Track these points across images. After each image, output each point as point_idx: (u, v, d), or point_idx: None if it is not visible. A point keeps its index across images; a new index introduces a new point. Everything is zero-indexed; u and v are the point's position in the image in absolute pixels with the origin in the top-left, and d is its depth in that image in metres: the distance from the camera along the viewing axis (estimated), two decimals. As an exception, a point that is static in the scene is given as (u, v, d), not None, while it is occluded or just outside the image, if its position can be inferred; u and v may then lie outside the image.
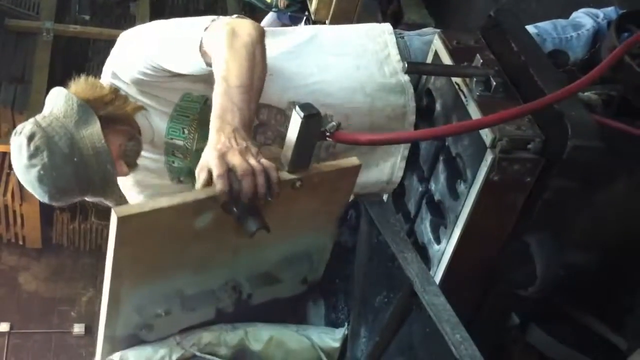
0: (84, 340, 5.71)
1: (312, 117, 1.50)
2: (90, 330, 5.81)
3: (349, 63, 2.07)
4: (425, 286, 1.51)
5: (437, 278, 2.02)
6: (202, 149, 1.59)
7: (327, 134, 1.56)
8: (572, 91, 1.70)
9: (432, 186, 2.07)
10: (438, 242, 2.05)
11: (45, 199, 1.87)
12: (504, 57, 2.04)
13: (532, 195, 1.92)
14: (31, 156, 1.79)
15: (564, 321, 2.31)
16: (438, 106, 2.08)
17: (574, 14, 2.72)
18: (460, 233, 1.92)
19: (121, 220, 1.39)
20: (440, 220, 2.04)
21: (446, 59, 2.03)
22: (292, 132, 1.52)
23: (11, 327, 5.81)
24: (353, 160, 1.65)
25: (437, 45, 2.08)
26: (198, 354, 1.61)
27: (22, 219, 6.00)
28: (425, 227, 2.11)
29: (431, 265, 2.09)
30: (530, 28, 2.46)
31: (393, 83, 2.06)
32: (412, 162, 2.21)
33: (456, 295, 1.97)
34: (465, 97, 1.91)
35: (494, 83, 1.89)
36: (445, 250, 1.99)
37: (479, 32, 2.11)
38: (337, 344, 1.72)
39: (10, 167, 5.80)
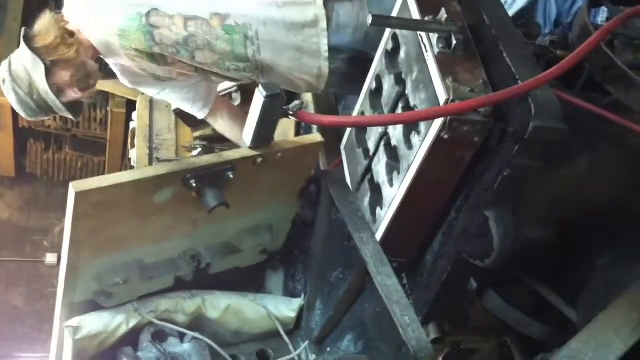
0: (57, 270, 5.73)
1: (275, 97, 1.50)
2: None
3: None
4: (379, 267, 1.54)
5: (388, 218, 2.12)
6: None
7: (290, 112, 1.56)
8: (542, 82, 1.70)
9: (391, 130, 2.13)
10: (391, 184, 2.12)
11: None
12: (476, 29, 2.05)
13: (493, 170, 1.95)
14: (6, 93, 2.41)
15: (521, 289, 2.37)
16: (402, 53, 2.11)
17: None
18: (411, 181, 1.99)
19: (79, 195, 1.40)
20: (395, 163, 2.11)
21: (414, 7, 2.04)
22: (255, 110, 1.52)
23: (-17, 255, 5.84)
24: (316, 137, 1.66)
25: None
26: (155, 320, 1.64)
27: (-4, 147, 5.96)
28: (381, 168, 2.18)
29: (383, 204, 2.18)
30: None
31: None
32: (375, 99, 2.26)
33: (403, 236, 2.12)
34: (427, 51, 1.94)
35: (455, 41, 1.91)
36: (396, 194, 2.07)
37: None
38: (293, 314, 1.76)
39: (-17, 94, 5.72)
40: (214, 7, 2.38)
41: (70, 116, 2.51)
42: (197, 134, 3.43)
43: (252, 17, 2.38)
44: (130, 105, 5.40)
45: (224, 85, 3.16)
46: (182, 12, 2.36)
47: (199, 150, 3.32)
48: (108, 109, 5.84)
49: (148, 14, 2.33)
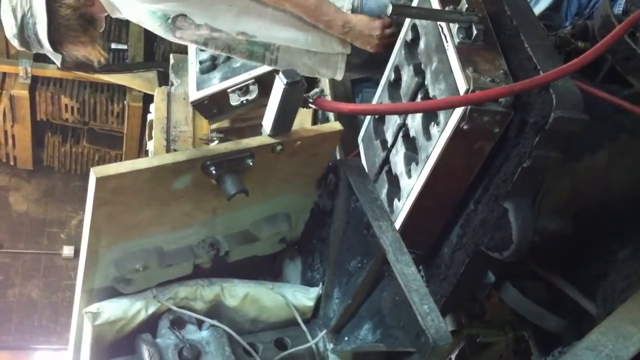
0: (73, 262, 5.80)
1: (295, 84, 1.50)
2: (79, 253, 5.86)
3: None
4: (398, 256, 1.54)
5: (405, 210, 2.15)
6: None
7: (310, 100, 1.56)
8: (565, 73, 1.69)
9: (409, 121, 2.13)
10: (409, 175, 2.13)
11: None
12: (497, 19, 2.04)
13: (513, 161, 1.94)
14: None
15: (538, 282, 2.36)
16: (422, 44, 2.11)
17: None
18: (429, 172, 2.01)
19: (99, 180, 1.41)
20: (413, 155, 2.12)
21: None
22: (275, 97, 1.52)
23: (0, 246, 5.88)
24: (335, 125, 1.65)
25: None
26: (174, 307, 1.65)
27: (14, 139, 6.00)
28: (399, 159, 2.20)
29: (401, 196, 2.18)
30: None
31: None
32: (394, 90, 2.26)
33: (420, 228, 2.16)
34: (447, 41, 1.94)
35: (475, 31, 1.91)
36: (414, 185, 2.09)
37: None
38: (311, 303, 1.76)
39: (1, 87, 5.75)
40: (241, 27, 2.50)
41: (46, 44, 2.38)
42: (214, 126, 3.44)
43: (277, 39, 2.54)
44: (147, 99, 5.42)
45: (240, 78, 3.16)
46: (209, 24, 2.46)
47: (216, 142, 3.33)
48: (125, 102, 5.87)
49: (175, 18, 2.42)
